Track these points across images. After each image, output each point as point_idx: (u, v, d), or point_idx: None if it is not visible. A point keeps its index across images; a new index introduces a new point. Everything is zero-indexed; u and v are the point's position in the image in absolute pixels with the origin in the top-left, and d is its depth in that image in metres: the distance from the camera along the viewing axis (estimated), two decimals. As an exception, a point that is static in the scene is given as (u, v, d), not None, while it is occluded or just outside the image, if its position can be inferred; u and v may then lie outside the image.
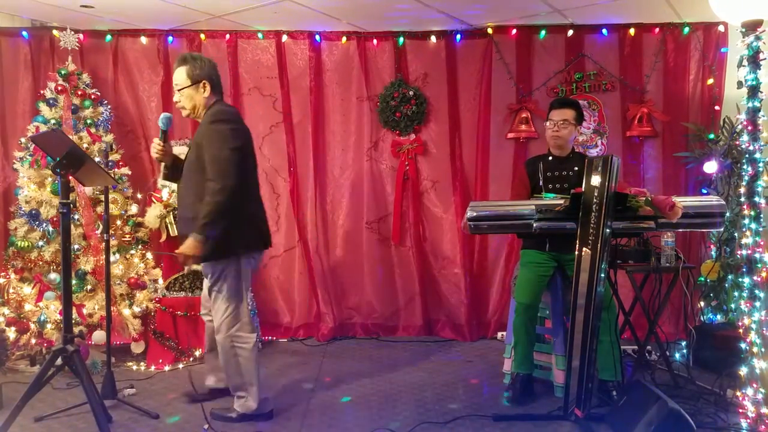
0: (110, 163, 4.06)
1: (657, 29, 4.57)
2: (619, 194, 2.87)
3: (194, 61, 2.94)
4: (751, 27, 2.93)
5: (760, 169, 3.01)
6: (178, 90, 2.95)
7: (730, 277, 4.10)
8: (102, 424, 2.77)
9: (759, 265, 2.94)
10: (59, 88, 4.09)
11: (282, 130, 4.70)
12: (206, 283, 3.06)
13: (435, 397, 3.45)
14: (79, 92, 4.14)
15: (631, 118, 4.62)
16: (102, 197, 3.61)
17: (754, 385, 2.85)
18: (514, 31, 4.60)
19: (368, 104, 4.73)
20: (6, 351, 3.89)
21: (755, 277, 2.94)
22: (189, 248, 2.75)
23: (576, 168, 3.42)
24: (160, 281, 4.25)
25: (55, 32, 4.40)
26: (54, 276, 3.92)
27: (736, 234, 4.06)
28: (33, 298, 3.93)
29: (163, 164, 3.14)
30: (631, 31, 4.57)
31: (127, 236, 4.14)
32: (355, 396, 3.48)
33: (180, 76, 2.93)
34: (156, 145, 3.00)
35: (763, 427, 2.80)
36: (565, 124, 3.42)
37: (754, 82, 2.97)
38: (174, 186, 3.56)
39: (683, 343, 4.07)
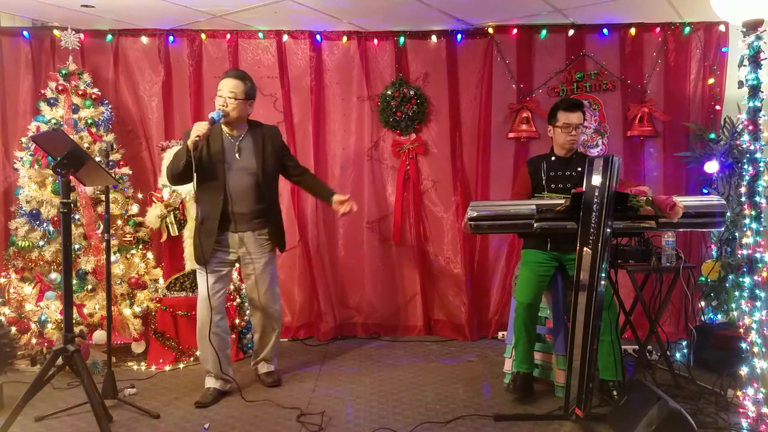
0: (111, 163, 4.06)
1: (658, 29, 4.57)
2: (619, 194, 2.86)
3: (250, 81, 3.39)
4: (752, 26, 2.93)
5: (761, 168, 3.01)
6: (234, 99, 3.28)
7: (730, 276, 4.10)
8: (103, 423, 2.77)
9: (760, 265, 2.94)
10: (60, 87, 4.09)
11: (282, 130, 4.65)
12: (264, 271, 3.46)
13: (435, 397, 3.45)
14: (80, 92, 4.14)
15: (632, 118, 4.62)
16: (102, 197, 3.62)
17: (755, 385, 2.85)
18: (515, 30, 4.60)
19: (369, 104, 4.73)
20: (13, 349, 3.89)
21: (756, 277, 2.94)
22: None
23: (579, 168, 3.41)
24: (161, 281, 4.25)
25: (55, 32, 4.40)
26: (55, 276, 3.93)
27: (736, 234, 4.06)
28: (34, 297, 3.94)
29: (191, 148, 3.14)
30: (632, 30, 4.57)
31: (128, 236, 4.15)
32: (355, 396, 3.49)
33: (239, 88, 3.30)
34: (204, 128, 3.13)
35: (763, 426, 2.80)
36: (581, 129, 3.43)
37: (754, 82, 2.97)
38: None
39: (684, 343, 4.07)
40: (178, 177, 3.25)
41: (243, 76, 3.36)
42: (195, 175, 3.18)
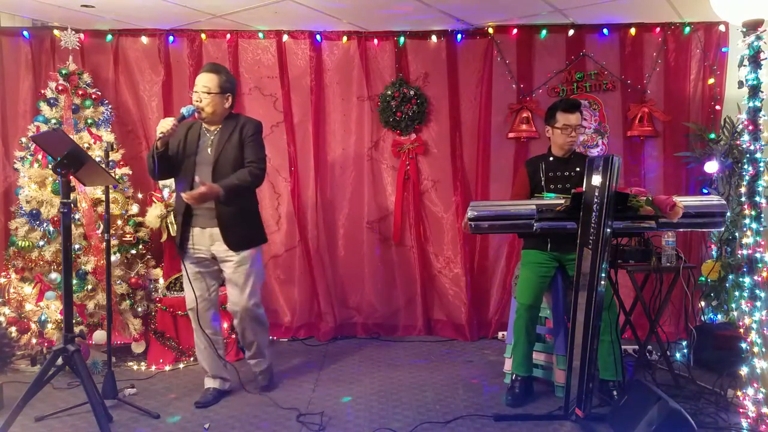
0: (111, 163, 4.06)
1: (658, 29, 4.57)
2: (619, 194, 2.86)
3: (226, 74, 3.30)
4: (752, 26, 2.93)
5: (761, 168, 3.01)
6: (207, 93, 3.21)
7: (730, 276, 4.10)
8: (102, 423, 2.78)
9: (760, 265, 2.95)
10: (60, 87, 4.09)
11: (282, 130, 4.70)
12: (237, 269, 3.28)
13: (435, 397, 3.45)
14: (80, 92, 4.14)
15: (632, 118, 4.61)
16: (103, 197, 3.62)
17: (755, 385, 2.85)
18: (515, 30, 4.60)
19: (369, 104, 4.73)
20: (11, 349, 3.89)
21: (756, 277, 2.94)
22: (212, 191, 3.08)
23: (578, 169, 3.41)
24: (161, 281, 4.25)
25: (55, 32, 4.40)
26: (55, 276, 3.93)
27: (736, 234, 4.06)
28: (34, 297, 3.94)
29: (159, 142, 3.11)
30: (632, 30, 4.56)
31: (128, 236, 4.14)
32: (355, 396, 3.49)
33: (213, 82, 3.22)
34: (169, 124, 3.08)
35: (763, 426, 2.80)
36: (580, 129, 3.44)
37: (754, 82, 2.97)
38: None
39: (684, 343, 4.07)
40: (151, 174, 3.21)
41: (217, 70, 3.27)
42: (172, 171, 3.24)
